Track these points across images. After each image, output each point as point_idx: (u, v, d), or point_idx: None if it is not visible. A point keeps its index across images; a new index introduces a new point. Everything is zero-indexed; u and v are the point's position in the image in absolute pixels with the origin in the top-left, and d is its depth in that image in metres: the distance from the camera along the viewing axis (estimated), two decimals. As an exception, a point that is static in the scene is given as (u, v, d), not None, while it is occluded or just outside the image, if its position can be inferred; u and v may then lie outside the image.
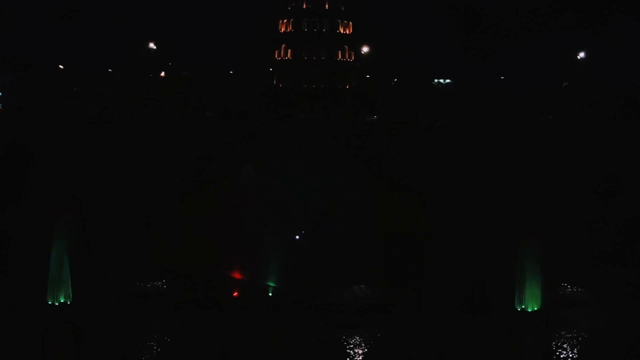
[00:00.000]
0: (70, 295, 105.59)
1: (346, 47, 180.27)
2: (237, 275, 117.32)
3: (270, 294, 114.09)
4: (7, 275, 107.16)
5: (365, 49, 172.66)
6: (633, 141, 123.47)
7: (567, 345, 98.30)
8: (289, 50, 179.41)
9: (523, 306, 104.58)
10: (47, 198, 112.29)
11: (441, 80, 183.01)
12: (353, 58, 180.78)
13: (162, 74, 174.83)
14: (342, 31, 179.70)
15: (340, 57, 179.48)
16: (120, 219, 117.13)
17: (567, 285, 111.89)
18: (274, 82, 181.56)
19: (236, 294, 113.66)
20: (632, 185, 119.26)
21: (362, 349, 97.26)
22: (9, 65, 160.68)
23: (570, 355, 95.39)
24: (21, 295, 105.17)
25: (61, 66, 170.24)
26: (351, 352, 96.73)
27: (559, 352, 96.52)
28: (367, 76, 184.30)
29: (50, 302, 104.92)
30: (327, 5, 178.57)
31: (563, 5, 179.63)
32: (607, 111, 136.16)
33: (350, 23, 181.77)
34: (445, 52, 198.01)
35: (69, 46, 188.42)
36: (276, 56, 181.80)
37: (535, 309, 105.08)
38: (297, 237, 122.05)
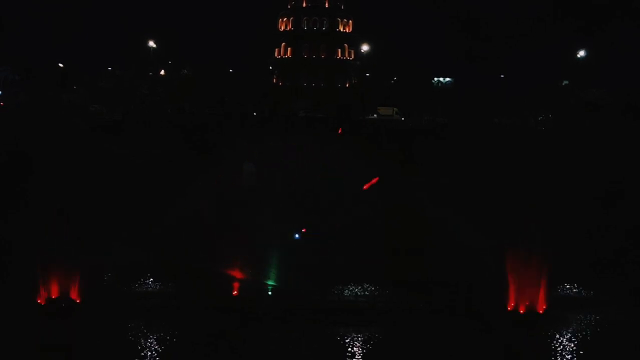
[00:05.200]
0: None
1: (346, 45, 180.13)
2: (236, 274, 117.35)
3: (270, 293, 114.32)
4: (6, 278, 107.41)
5: (365, 48, 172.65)
6: (635, 145, 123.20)
7: (567, 346, 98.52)
8: (289, 49, 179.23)
9: (521, 307, 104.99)
10: (47, 199, 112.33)
11: (441, 79, 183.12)
12: (353, 56, 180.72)
13: (162, 72, 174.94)
14: (342, 29, 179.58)
15: (340, 55, 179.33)
16: (120, 218, 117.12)
17: (568, 287, 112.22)
18: (274, 80, 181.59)
19: (236, 292, 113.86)
20: (634, 190, 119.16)
21: (361, 349, 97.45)
22: (9, 63, 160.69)
23: (571, 356, 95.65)
24: (15, 297, 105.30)
25: (61, 64, 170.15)
26: (350, 351, 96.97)
27: (559, 352, 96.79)
28: (367, 74, 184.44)
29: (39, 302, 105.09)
30: (327, 4, 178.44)
31: (564, 13, 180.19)
32: (610, 117, 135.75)
33: (350, 21, 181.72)
34: (446, 51, 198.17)
35: (69, 45, 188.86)
36: (276, 54, 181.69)
37: (536, 311, 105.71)
38: (297, 235, 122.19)
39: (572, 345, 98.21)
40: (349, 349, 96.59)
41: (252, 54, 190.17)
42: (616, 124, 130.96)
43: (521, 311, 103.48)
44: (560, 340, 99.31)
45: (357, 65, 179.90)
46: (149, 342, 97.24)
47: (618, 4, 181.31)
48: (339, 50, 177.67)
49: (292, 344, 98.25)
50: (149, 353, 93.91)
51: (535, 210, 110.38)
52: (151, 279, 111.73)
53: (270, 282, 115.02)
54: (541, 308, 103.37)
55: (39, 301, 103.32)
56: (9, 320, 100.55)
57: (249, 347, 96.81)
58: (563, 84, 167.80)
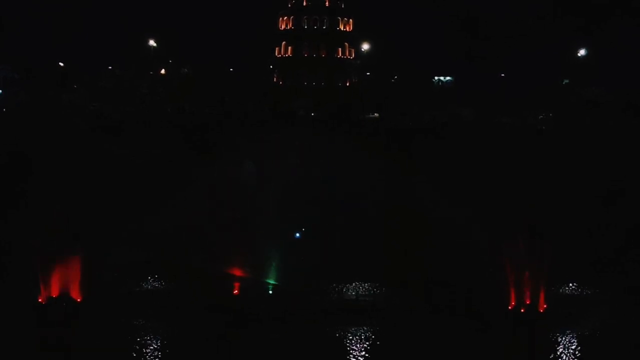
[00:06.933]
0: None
1: (346, 44, 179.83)
2: (236, 273, 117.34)
3: (270, 292, 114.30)
4: (6, 278, 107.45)
5: (365, 47, 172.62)
6: (635, 144, 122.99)
7: (568, 345, 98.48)
8: (289, 48, 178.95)
9: (522, 307, 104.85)
10: (47, 199, 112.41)
11: (441, 78, 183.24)
12: (353, 55, 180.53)
13: (163, 71, 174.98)
14: (342, 28, 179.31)
15: (340, 54, 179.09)
16: (120, 218, 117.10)
17: (569, 286, 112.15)
18: (274, 79, 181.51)
19: (236, 291, 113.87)
20: (634, 188, 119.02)
21: (361, 348, 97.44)
22: (9, 63, 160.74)
23: (572, 355, 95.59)
24: (15, 296, 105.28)
25: (61, 64, 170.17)
26: (350, 351, 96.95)
27: (560, 351, 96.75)
28: (367, 73, 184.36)
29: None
30: (327, 3, 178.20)
31: (564, 12, 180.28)
32: (610, 114, 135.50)
33: (351, 20, 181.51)
34: (446, 51, 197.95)
35: (69, 45, 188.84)
36: (276, 53, 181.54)
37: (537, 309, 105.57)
38: (297, 234, 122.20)
39: (573, 344, 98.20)
40: (349, 349, 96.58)
41: (252, 54, 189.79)
42: (617, 122, 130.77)
43: (522, 310, 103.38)
44: (560, 339, 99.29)
45: (358, 64, 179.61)
46: (149, 342, 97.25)
47: (617, 3, 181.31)
48: (339, 49, 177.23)
49: (292, 344, 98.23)
50: (149, 353, 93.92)
51: (535, 210, 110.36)
52: (151, 279, 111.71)
53: (270, 281, 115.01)
54: (542, 307, 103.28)
55: (39, 300, 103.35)
56: (9, 319, 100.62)
57: (249, 347, 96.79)
58: (563, 82, 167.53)
